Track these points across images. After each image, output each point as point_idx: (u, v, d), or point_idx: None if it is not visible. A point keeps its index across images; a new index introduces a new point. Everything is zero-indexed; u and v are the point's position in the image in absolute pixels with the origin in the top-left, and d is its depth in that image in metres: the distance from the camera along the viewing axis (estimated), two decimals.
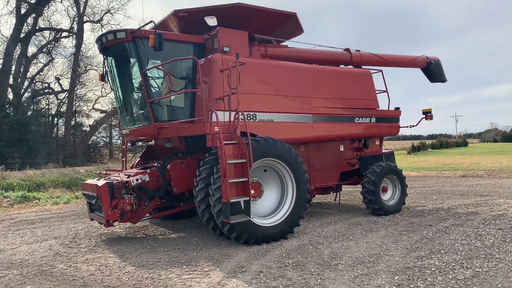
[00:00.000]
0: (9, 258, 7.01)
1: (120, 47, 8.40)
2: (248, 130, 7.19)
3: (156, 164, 8.76)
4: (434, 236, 7.55)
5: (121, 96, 9.11)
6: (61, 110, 36.85)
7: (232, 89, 7.36)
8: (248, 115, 8.22)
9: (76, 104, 36.94)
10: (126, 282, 5.58)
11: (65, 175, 19.37)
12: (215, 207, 7.03)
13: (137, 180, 7.97)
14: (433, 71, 12.40)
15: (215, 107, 7.72)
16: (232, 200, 6.71)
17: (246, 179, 6.91)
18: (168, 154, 8.89)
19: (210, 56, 8.20)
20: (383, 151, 11.29)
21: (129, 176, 8.12)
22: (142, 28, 7.98)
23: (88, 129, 37.81)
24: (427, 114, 11.15)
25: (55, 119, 37.23)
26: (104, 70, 9.32)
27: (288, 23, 9.53)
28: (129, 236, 8.50)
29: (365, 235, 7.79)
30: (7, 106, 29.70)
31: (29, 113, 32.51)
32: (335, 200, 12.12)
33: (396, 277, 5.33)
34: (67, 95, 34.77)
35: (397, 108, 11.25)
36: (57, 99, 37.59)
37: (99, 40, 8.54)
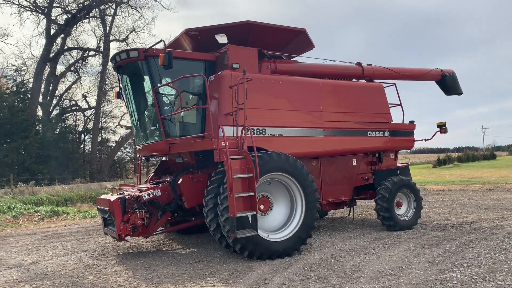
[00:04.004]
0: (43, 270, 7.33)
1: (133, 66, 8.68)
2: (254, 144, 7.26)
3: (168, 179, 8.89)
4: (457, 249, 7.53)
5: (134, 113, 9.40)
6: (88, 126, 37.87)
7: (239, 105, 7.53)
8: (257, 130, 8.33)
9: (102, 121, 37.92)
10: None
11: (92, 190, 19.90)
12: (225, 227, 7.10)
13: (148, 195, 8.11)
14: (448, 83, 12.29)
15: (224, 122, 7.89)
16: (238, 215, 6.75)
17: (252, 193, 6.99)
18: (180, 169, 9.08)
19: (219, 72, 8.40)
20: (398, 164, 11.16)
21: (141, 191, 8.30)
22: (154, 47, 8.22)
23: (114, 145, 38.66)
24: (442, 127, 10.99)
25: (82, 135, 38.27)
26: (120, 87, 9.62)
27: (298, 39, 9.60)
28: (155, 249, 8.74)
29: (387, 249, 7.82)
30: (37, 123, 30.81)
31: (57, 130, 33.58)
32: (348, 215, 12.05)
33: None
34: (93, 112, 35.75)
35: (411, 122, 11.11)
36: (84, 116, 38.67)
37: (113, 59, 8.85)
